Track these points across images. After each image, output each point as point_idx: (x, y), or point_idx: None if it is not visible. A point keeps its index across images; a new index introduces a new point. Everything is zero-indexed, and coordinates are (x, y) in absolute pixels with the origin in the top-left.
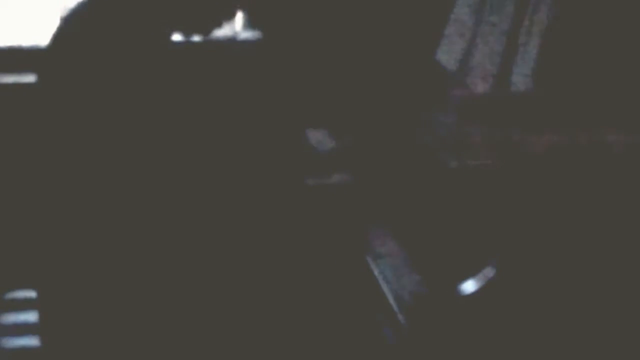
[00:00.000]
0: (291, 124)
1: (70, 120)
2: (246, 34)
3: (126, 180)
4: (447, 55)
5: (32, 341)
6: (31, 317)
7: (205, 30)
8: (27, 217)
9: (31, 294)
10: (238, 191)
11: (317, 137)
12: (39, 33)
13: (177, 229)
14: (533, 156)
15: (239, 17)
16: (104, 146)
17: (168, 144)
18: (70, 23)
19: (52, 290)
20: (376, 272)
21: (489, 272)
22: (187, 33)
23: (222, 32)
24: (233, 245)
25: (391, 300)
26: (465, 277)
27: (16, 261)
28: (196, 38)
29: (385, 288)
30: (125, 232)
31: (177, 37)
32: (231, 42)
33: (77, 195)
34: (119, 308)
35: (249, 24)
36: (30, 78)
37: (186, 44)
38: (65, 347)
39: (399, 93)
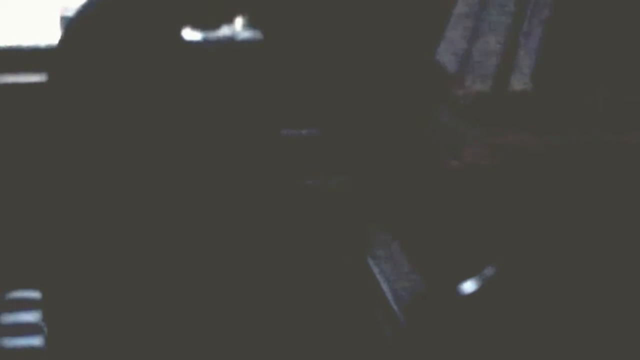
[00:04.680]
0: (290, 124)
1: (80, 119)
2: (246, 34)
3: (133, 180)
4: (447, 55)
5: (32, 341)
6: (31, 317)
7: (216, 25)
8: (27, 217)
9: (31, 294)
10: (237, 191)
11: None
12: (39, 33)
13: (179, 229)
14: (533, 156)
15: (239, 17)
16: (111, 145)
17: (172, 142)
18: (79, 20)
19: (55, 290)
20: (376, 272)
21: (489, 272)
22: (197, 28)
23: (222, 32)
24: (233, 245)
25: (391, 301)
26: (465, 277)
27: (16, 261)
28: (206, 33)
29: (385, 288)
30: (132, 232)
31: (187, 32)
32: (231, 42)
33: (84, 195)
34: (120, 308)
35: (249, 24)
36: (30, 78)
37: (187, 44)
38: (69, 347)
39: (399, 93)
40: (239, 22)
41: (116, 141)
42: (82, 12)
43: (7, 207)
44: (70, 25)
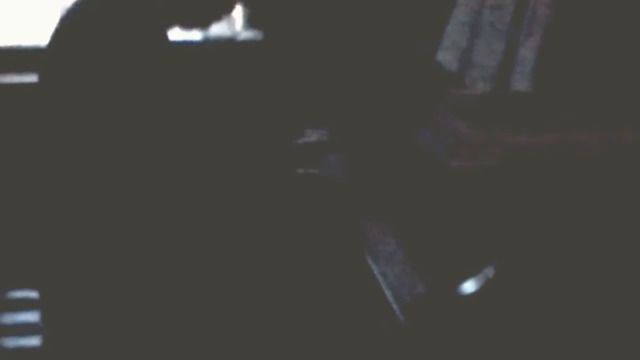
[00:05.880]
0: (291, 124)
1: (71, 119)
2: (246, 34)
3: (127, 179)
4: (447, 55)
5: (32, 341)
6: (31, 317)
7: (204, 24)
8: (27, 217)
9: (31, 294)
10: (236, 190)
11: (317, 136)
12: (39, 33)
13: (176, 228)
14: (533, 156)
15: (239, 17)
16: (104, 144)
17: (168, 142)
18: (68, 21)
19: (53, 290)
20: (376, 272)
21: (489, 272)
22: (186, 26)
23: (222, 32)
24: (231, 244)
25: (391, 300)
26: (465, 277)
27: (16, 261)
28: (195, 32)
29: (384, 287)
30: (125, 232)
31: (176, 31)
32: (231, 42)
33: (78, 194)
34: (119, 308)
35: (249, 24)
36: (30, 78)
37: (187, 44)
38: (67, 346)
39: (399, 93)
40: (239, 22)
41: (107, 140)
42: (70, 13)
43: (6, 207)
44: (58, 26)
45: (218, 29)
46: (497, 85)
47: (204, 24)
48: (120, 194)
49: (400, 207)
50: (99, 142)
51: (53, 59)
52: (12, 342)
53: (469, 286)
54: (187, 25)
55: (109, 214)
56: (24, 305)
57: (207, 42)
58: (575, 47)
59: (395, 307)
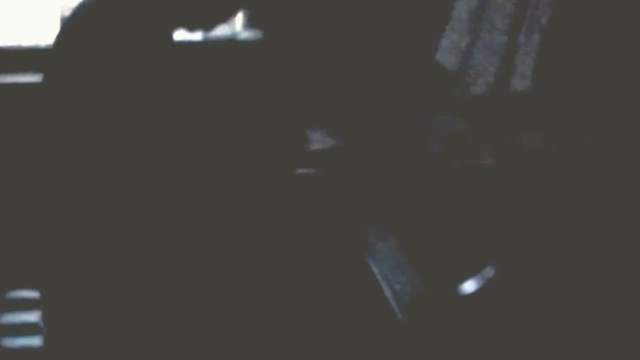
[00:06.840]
0: (291, 124)
1: (75, 119)
2: (246, 34)
3: (129, 179)
4: (447, 55)
5: (32, 341)
6: (31, 317)
7: (210, 26)
8: (27, 217)
9: (31, 294)
10: (237, 190)
11: (317, 137)
12: (39, 33)
13: (177, 228)
14: (532, 156)
15: (239, 17)
16: (106, 145)
17: (169, 142)
18: (74, 21)
19: (53, 290)
20: (376, 272)
21: (488, 272)
22: (191, 29)
23: (222, 32)
24: (232, 243)
25: (391, 300)
26: (465, 277)
27: (16, 261)
28: (199, 34)
29: (384, 287)
30: (127, 232)
31: (181, 32)
32: (231, 42)
33: (79, 194)
34: (119, 308)
35: (249, 24)
36: (30, 78)
37: (187, 44)
38: (67, 346)
39: (400, 93)
40: (239, 22)
41: (110, 141)
42: (76, 13)
43: (7, 207)
44: (64, 26)
45: (218, 29)
46: (497, 85)
47: (209, 26)
48: (121, 193)
49: (400, 207)
50: (101, 143)
51: (57, 60)
52: (12, 342)
53: (469, 286)
54: (192, 27)
55: (109, 214)
56: (24, 305)
57: (207, 42)
58: (574, 48)
59: (395, 306)
